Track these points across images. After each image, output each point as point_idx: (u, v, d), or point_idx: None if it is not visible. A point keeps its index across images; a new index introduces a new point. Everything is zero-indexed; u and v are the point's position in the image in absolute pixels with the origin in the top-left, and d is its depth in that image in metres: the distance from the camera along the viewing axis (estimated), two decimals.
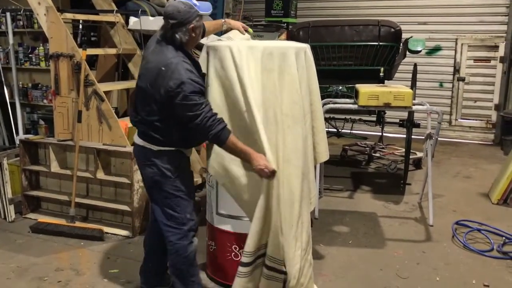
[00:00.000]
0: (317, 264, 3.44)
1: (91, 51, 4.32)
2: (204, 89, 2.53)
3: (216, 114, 2.49)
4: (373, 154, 6.38)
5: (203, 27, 2.76)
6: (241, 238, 2.98)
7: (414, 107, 4.18)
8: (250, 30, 3.15)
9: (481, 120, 7.60)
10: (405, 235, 3.98)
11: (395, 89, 4.12)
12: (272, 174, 2.48)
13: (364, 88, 4.16)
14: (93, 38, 5.29)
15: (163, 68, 2.46)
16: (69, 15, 4.39)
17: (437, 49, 7.72)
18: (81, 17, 4.58)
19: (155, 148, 2.62)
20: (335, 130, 6.36)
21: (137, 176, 3.86)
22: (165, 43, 2.55)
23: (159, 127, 2.57)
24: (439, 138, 4.59)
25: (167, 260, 2.83)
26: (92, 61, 5.20)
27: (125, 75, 5.11)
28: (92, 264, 3.43)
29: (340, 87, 5.18)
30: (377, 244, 3.81)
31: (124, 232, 3.93)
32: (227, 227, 3.02)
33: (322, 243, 3.81)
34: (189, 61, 2.53)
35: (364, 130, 6.99)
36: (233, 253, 3.02)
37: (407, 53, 5.25)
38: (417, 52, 5.22)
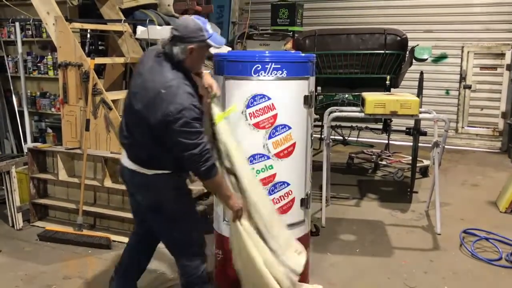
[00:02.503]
0: (324, 273, 3.44)
1: (99, 60, 4.37)
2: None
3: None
4: (380, 162, 6.37)
5: (203, 57, 2.56)
6: None
7: (421, 115, 4.18)
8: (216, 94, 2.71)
9: (488, 127, 7.58)
10: (412, 244, 3.97)
11: (401, 97, 4.12)
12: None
13: (371, 96, 4.16)
14: (100, 47, 5.33)
15: (163, 91, 2.29)
16: (78, 25, 4.44)
17: (443, 57, 7.73)
18: (89, 26, 4.63)
19: (150, 172, 2.47)
20: (342, 138, 6.37)
21: None
22: (164, 59, 2.41)
23: (155, 151, 2.43)
24: (445, 146, 4.58)
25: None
26: (100, 69, 5.23)
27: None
28: (100, 272, 3.44)
29: (346, 95, 5.19)
30: (384, 253, 3.80)
31: None
32: None
33: (329, 252, 3.80)
34: (189, 82, 2.40)
35: (370, 137, 6.98)
36: None
37: (413, 61, 5.25)
38: (424, 60, 5.23)
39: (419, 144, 5.33)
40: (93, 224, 4.24)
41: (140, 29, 4.73)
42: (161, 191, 2.51)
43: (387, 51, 5.00)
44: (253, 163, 2.89)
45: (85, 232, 3.98)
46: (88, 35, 4.92)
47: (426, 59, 5.27)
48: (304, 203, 3.03)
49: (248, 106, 2.84)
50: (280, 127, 2.87)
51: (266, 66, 2.79)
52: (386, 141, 6.37)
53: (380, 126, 5.64)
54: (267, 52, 3.02)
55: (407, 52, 5.19)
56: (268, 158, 2.89)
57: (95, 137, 4.14)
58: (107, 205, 4.16)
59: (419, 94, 5.26)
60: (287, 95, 2.88)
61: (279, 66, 2.81)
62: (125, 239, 3.91)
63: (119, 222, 4.11)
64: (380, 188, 5.58)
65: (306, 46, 5.27)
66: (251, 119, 2.85)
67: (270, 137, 2.87)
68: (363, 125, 6.04)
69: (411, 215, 4.66)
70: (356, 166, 6.50)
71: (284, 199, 2.95)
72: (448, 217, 4.51)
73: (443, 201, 4.82)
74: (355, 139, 6.35)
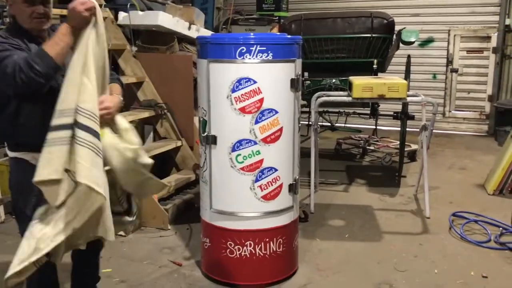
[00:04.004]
0: (313, 259, 3.40)
1: None
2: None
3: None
4: (368, 147, 6.34)
5: (23, 11, 2.15)
6: (236, 235, 2.94)
7: (409, 99, 4.13)
8: None
9: (475, 111, 7.59)
10: (401, 228, 3.94)
11: (389, 80, 4.07)
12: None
13: (358, 80, 4.10)
14: None
15: None
16: (57, 11, 4.28)
17: (430, 40, 7.69)
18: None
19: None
20: (329, 124, 6.32)
21: None
22: None
23: None
24: (434, 130, 4.55)
25: None
26: None
27: (116, 71, 5.01)
28: None
29: (334, 80, 5.13)
30: (374, 238, 3.77)
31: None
32: (222, 223, 2.96)
33: (318, 238, 3.76)
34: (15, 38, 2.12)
35: (358, 123, 6.94)
36: (228, 250, 2.96)
37: (400, 44, 5.21)
38: (411, 43, 5.19)
39: (407, 129, 5.30)
40: None
41: (122, 14, 4.60)
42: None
43: (373, 35, 4.93)
44: (239, 149, 2.83)
45: None
46: None
47: (413, 42, 5.23)
48: (292, 188, 2.98)
49: (233, 91, 2.77)
50: (267, 111, 2.81)
51: (251, 48, 2.71)
52: (374, 127, 6.35)
53: (368, 111, 5.60)
54: (252, 34, 2.94)
55: (394, 36, 5.13)
56: (255, 143, 2.82)
57: None
58: None
59: (407, 77, 5.22)
60: (274, 79, 2.81)
61: (265, 48, 2.73)
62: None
63: None
64: (368, 173, 5.55)
65: (292, 31, 5.18)
66: (236, 103, 2.78)
67: (256, 122, 2.80)
68: (351, 110, 5.99)
69: (400, 199, 4.64)
70: (344, 152, 6.46)
71: (272, 185, 2.89)
72: (437, 200, 4.50)
73: (432, 185, 4.79)
74: (343, 124, 6.30)
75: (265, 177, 2.87)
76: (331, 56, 5.12)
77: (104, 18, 4.55)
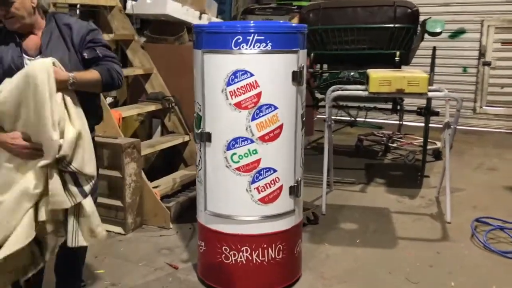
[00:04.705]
0: (318, 266, 3.16)
1: None
2: None
3: None
4: (391, 144, 6.02)
5: None
6: (231, 239, 2.74)
7: (430, 94, 3.81)
8: None
9: (508, 107, 7.12)
10: (418, 234, 3.65)
11: (409, 74, 3.77)
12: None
13: (376, 73, 3.82)
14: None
15: None
16: None
17: (460, 32, 7.25)
18: (77, 0, 4.34)
19: None
20: (351, 119, 6.04)
21: (129, 169, 3.64)
22: None
23: None
24: (461, 127, 4.23)
25: None
26: None
27: (124, 62, 4.87)
28: None
29: (352, 73, 4.84)
30: (387, 244, 3.50)
31: (117, 229, 3.71)
32: (216, 226, 2.76)
33: (327, 242, 3.51)
34: None
35: (381, 118, 6.61)
36: (224, 255, 2.76)
37: (426, 35, 4.87)
38: (437, 34, 4.82)
39: (433, 125, 4.97)
40: None
41: (130, 3, 4.44)
42: None
43: (396, 25, 4.62)
44: (235, 148, 2.61)
45: None
46: (78, 11, 4.67)
47: (440, 32, 4.86)
48: (293, 191, 2.74)
49: (228, 84, 2.55)
50: (265, 107, 2.57)
51: (248, 37, 2.48)
52: (398, 122, 6.01)
53: (390, 106, 5.28)
54: (252, 22, 2.69)
55: (419, 26, 4.81)
56: (252, 142, 2.60)
57: None
58: None
59: (431, 71, 4.89)
60: (273, 71, 2.57)
61: (263, 37, 2.49)
62: (111, 227, 3.73)
63: (106, 209, 3.87)
64: (389, 173, 5.25)
65: (310, 21, 4.92)
66: (232, 98, 2.56)
67: (253, 119, 2.57)
68: (372, 105, 5.68)
69: (420, 201, 4.33)
70: (366, 149, 6.16)
71: (270, 186, 2.66)
72: (459, 204, 4.17)
73: (456, 186, 4.49)
74: (363, 119, 5.99)
75: (262, 178, 2.64)
76: (351, 47, 4.83)
77: (112, 7, 4.47)
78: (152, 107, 4.31)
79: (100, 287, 2.93)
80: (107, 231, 3.68)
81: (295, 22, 6.01)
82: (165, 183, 4.07)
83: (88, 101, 2.28)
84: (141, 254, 3.34)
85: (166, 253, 3.35)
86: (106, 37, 4.39)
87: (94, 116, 2.39)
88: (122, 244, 3.50)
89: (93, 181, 2.18)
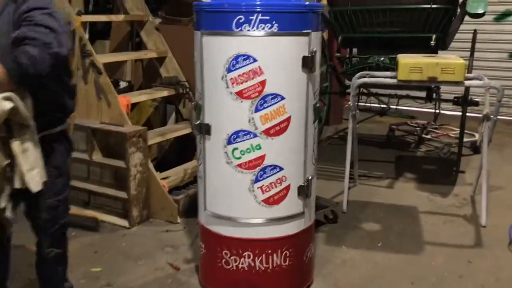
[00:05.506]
0: (332, 272, 2.86)
1: (88, 17, 3.86)
2: None
3: None
4: (425, 135, 5.60)
5: None
6: (232, 243, 2.47)
7: (467, 82, 3.41)
8: None
9: None
10: (449, 238, 3.29)
11: (443, 60, 3.37)
12: None
13: (406, 59, 3.44)
14: (108, 6, 4.86)
15: None
16: None
17: (507, 14, 6.67)
18: None
19: None
20: (381, 107, 5.64)
21: (134, 159, 3.43)
22: None
23: None
24: (506, 118, 3.79)
25: None
26: (106, 30, 4.78)
27: (140, 45, 4.64)
28: (74, 260, 2.99)
29: (382, 58, 4.45)
30: (413, 249, 3.16)
31: (122, 222, 3.51)
32: (216, 228, 2.50)
33: (344, 245, 3.20)
34: None
35: (414, 106, 6.16)
36: (224, 260, 2.50)
37: (466, 17, 4.42)
38: (478, 15, 4.36)
39: (473, 114, 4.53)
40: (88, 201, 3.83)
41: None
42: None
43: (433, 6, 4.20)
44: (236, 142, 2.33)
45: (73, 210, 3.58)
46: None
47: (482, 14, 4.39)
48: (303, 191, 2.44)
49: (229, 70, 2.26)
50: (270, 97, 2.28)
51: (251, 17, 2.18)
52: (433, 111, 5.57)
53: (424, 94, 4.87)
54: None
55: (458, 7, 4.36)
56: (255, 136, 2.31)
57: (86, 105, 3.69)
58: (100, 180, 3.73)
59: (471, 56, 4.45)
60: (280, 56, 2.27)
61: (268, 17, 2.19)
62: (116, 220, 3.54)
63: (112, 200, 3.68)
64: (421, 167, 4.85)
65: (338, 1, 4.57)
66: (232, 86, 2.27)
67: (257, 110, 2.28)
68: (404, 92, 5.27)
69: (453, 200, 3.95)
70: (398, 139, 5.76)
71: (275, 186, 2.38)
72: (497, 205, 3.77)
73: (494, 184, 4.08)
74: (395, 107, 5.58)
75: (267, 177, 2.35)
76: (382, 30, 4.44)
77: None
78: (164, 93, 4.06)
79: None
80: (112, 223, 3.53)
81: (324, 2, 5.64)
82: (175, 174, 3.84)
83: (42, 89, 1.88)
84: (143, 251, 3.12)
85: (169, 251, 3.12)
86: (120, 18, 4.19)
87: (55, 105, 2.02)
88: (125, 238, 3.30)
89: None
